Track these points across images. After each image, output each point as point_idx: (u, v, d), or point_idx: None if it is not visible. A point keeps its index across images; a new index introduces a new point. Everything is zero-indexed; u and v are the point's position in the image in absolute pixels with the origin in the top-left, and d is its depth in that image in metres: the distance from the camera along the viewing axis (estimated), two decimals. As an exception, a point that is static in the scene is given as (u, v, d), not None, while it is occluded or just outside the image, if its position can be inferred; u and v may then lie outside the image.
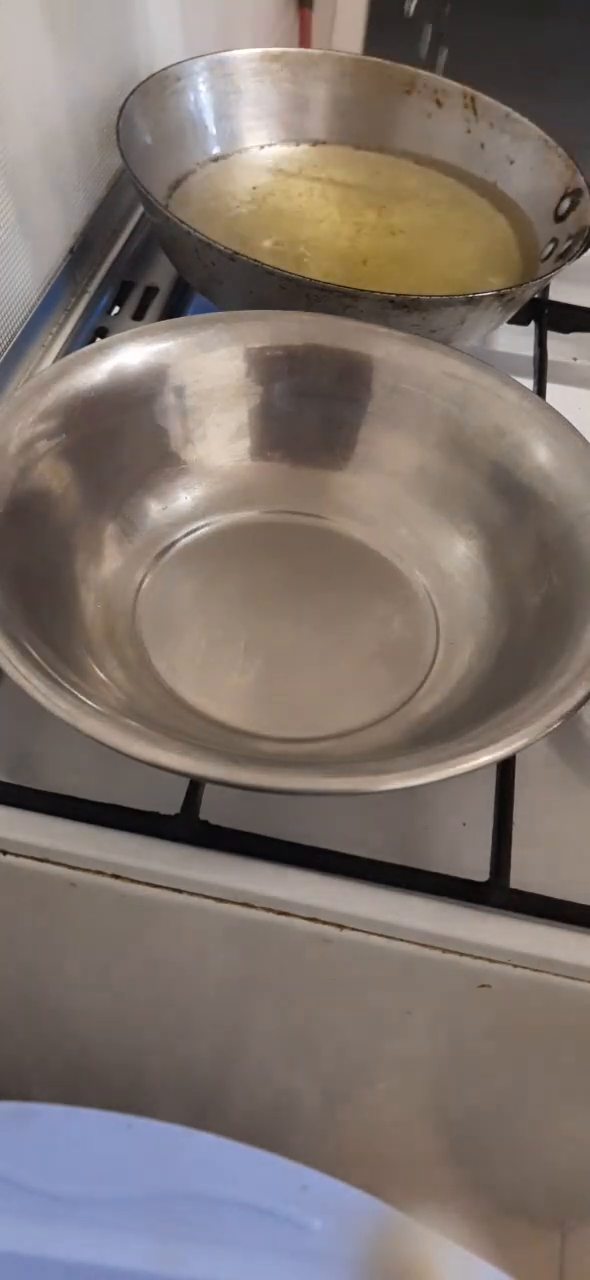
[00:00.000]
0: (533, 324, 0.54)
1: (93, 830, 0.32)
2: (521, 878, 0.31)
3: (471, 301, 0.43)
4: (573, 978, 0.31)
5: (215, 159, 0.58)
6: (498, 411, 0.39)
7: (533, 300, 0.52)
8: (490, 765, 0.27)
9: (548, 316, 0.54)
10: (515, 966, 0.31)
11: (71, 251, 0.54)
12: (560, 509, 0.36)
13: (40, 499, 0.35)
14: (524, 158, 0.57)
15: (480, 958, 0.31)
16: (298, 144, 0.60)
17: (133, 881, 0.32)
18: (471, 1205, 0.47)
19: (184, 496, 0.40)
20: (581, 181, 0.53)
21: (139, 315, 0.55)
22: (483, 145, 0.59)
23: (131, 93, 0.51)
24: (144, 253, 0.59)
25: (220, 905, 0.31)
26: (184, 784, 0.32)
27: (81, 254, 0.55)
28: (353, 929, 0.31)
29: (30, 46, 0.47)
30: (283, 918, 0.31)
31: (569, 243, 0.50)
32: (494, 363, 0.40)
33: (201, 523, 0.40)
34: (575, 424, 0.37)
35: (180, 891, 0.32)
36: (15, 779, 0.33)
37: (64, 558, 0.35)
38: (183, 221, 0.44)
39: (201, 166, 0.57)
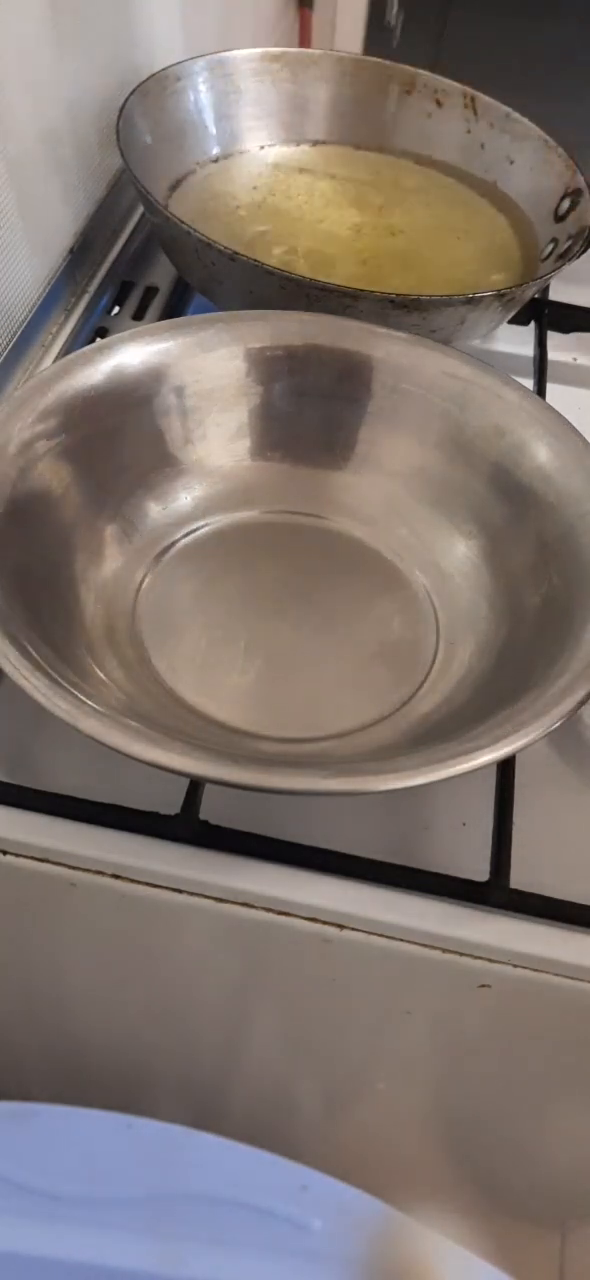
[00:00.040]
0: (533, 324, 0.54)
1: (93, 830, 0.32)
2: (521, 878, 0.31)
3: (471, 301, 0.43)
4: (573, 978, 0.31)
5: (215, 159, 0.58)
6: (498, 411, 0.39)
7: (533, 300, 0.52)
8: (490, 765, 0.27)
9: (548, 316, 0.54)
10: (515, 966, 0.31)
11: (71, 251, 0.54)
12: (560, 509, 0.36)
13: (40, 499, 0.35)
14: (524, 158, 0.57)
15: (480, 958, 0.31)
16: (298, 144, 0.60)
17: (133, 881, 0.32)
18: (471, 1205, 0.47)
19: (184, 496, 0.40)
20: (581, 181, 0.53)
21: (139, 315, 0.55)
22: (483, 145, 0.59)
23: (131, 93, 0.51)
24: (144, 253, 0.59)
25: (220, 905, 0.31)
26: (184, 784, 0.32)
27: (81, 254, 0.55)
28: (353, 929, 0.31)
29: (31, 46, 0.47)
30: (283, 918, 0.31)
31: (569, 243, 0.50)
32: (494, 363, 0.40)
33: (201, 523, 0.40)
34: (575, 424, 0.37)
35: (180, 891, 0.32)
36: (15, 779, 0.33)
37: (64, 558, 0.35)
38: (183, 221, 0.44)
39: (201, 166, 0.57)
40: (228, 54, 0.57)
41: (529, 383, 0.47)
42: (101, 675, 0.32)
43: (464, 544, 0.39)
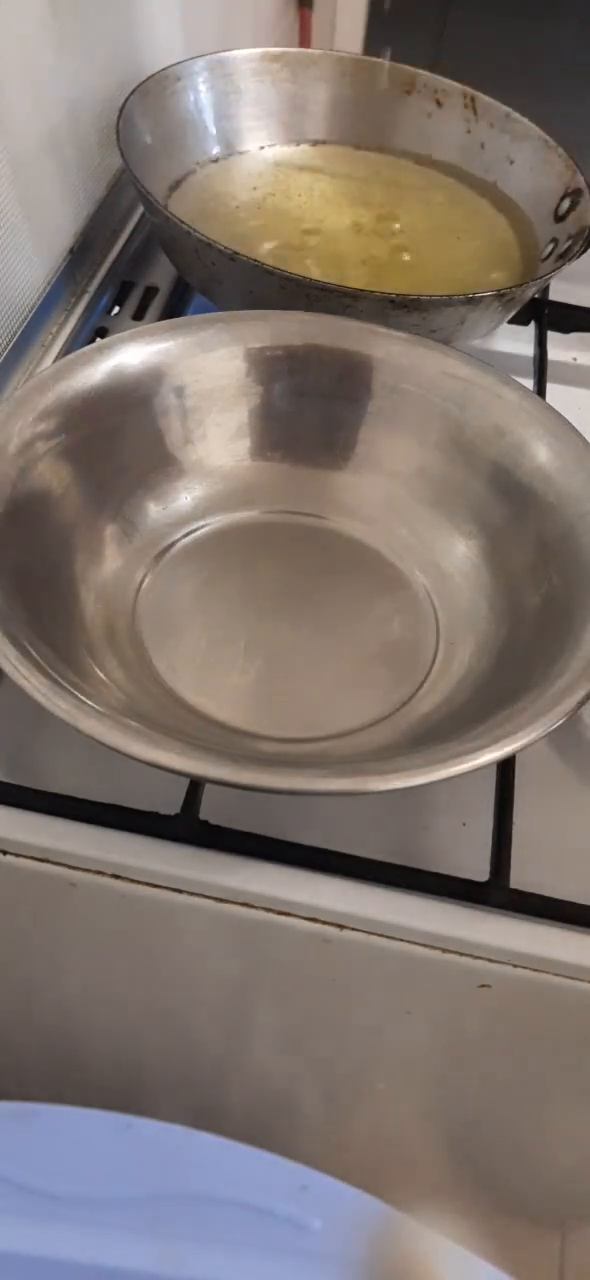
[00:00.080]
0: (533, 324, 0.54)
1: (93, 830, 0.32)
2: (521, 878, 0.31)
3: (471, 301, 0.43)
4: (573, 978, 0.31)
5: (215, 159, 0.58)
6: (498, 411, 0.39)
7: (533, 300, 0.52)
8: (490, 765, 0.27)
9: (548, 316, 0.54)
10: (515, 966, 0.31)
11: (71, 251, 0.54)
12: (560, 509, 0.36)
13: (40, 499, 0.35)
14: (524, 158, 0.57)
15: (480, 958, 0.31)
16: (298, 144, 0.60)
17: (133, 881, 0.32)
18: (471, 1205, 0.47)
19: (184, 496, 0.40)
20: (581, 181, 0.53)
21: (139, 315, 0.55)
22: (483, 145, 0.59)
23: (131, 93, 0.51)
24: (144, 253, 0.59)
25: (220, 905, 0.31)
26: (184, 784, 0.32)
27: (81, 254, 0.55)
28: (353, 929, 0.31)
29: (31, 46, 0.47)
30: (283, 918, 0.31)
31: (569, 243, 0.50)
32: (494, 363, 0.40)
33: (201, 523, 0.40)
34: (575, 424, 0.37)
35: (180, 891, 0.32)
36: (15, 779, 0.33)
37: (64, 558, 0.35)
38: (183, 221, 0.44)
39: (201, 166, 0.57)
40: (228, 54, 0.57)
41: (529, 383, 0.47)
42: (101, 675, 0.32)
43: (464, 544, 0.39)
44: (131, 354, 0.39)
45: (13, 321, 0.48)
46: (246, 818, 0.32)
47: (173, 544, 0.39)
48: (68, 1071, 0.45)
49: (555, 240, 0.52)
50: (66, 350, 0.51)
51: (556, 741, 0.37)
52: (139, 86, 0.52)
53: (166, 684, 0.34)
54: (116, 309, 0.56)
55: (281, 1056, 0.41)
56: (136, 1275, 0.26)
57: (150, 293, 0.56)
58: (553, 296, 0.55)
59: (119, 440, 0.38)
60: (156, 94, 0.54)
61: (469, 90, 0.59)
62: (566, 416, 0.38)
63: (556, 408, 0.38)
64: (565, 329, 0.55)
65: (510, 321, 0.53)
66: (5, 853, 0.32)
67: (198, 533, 0.40)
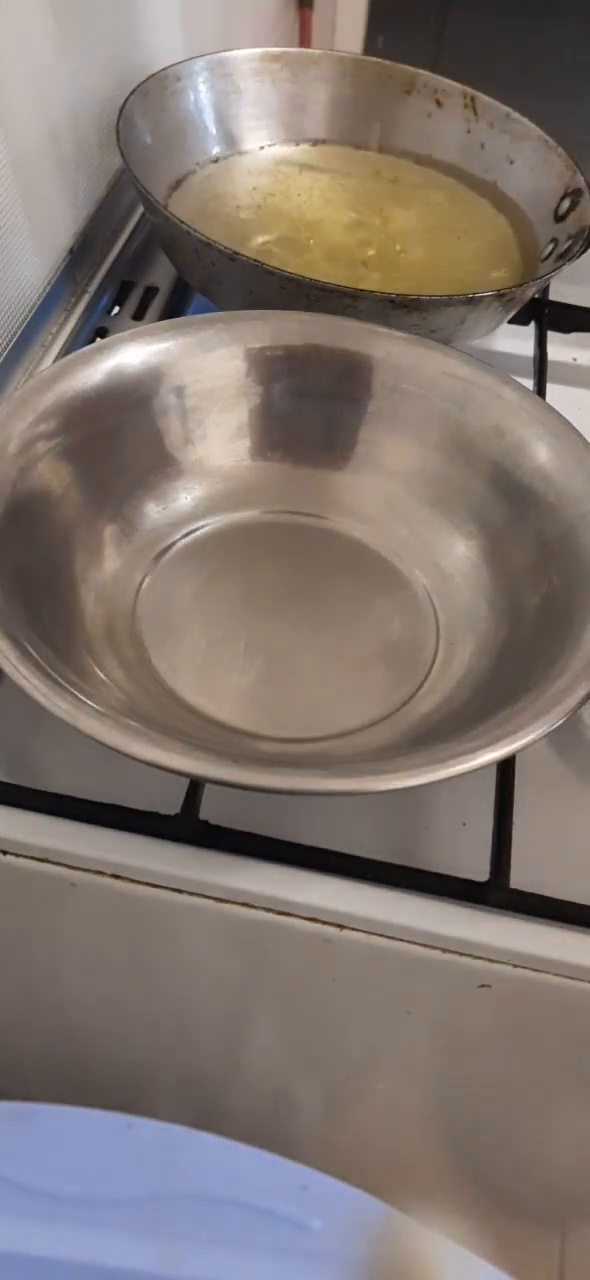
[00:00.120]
0: (533, 324, 0.54)
1: (93, 830, 0.32)
2: (521, 878, 0.31)
3: (471, 301, 0.43)
4: (573, 978, 0.31)
5: (215, 159, 0.58)
6: (498, 411, 0.39)
7: (533, 300, 0.52)
8: (490, 765, 0.27)
9: (548, 316, 0.54)
10: (515, 966, 0.31)
11: (71, 251, 0.54)
12: (560, 509, 0.36)
13: (40, 499, 0.35)
14: (524, 158, 0.57)
15: (480, 958, 0.31)
16: (298, 144, 0.60)
17: (133, 881, 0.32)
18: (471, 1205, 0.47)
19: (184, 496, 0.40)
20: (581, 181, 0.53)
21: (139, 315, 0.55)
22: (483, 145, 0.59)
23: (131, 93, 0.51)
24: (144, 253, 0.59)
25: (220, 905, 0.31)
26: (184, 784, 0.32)
27: (81, 254, 0.55)
28: (353, 929, 0.31)
29: (31, 46, 0.47)
30: (283, 918, 0.31)
31: (569, 243, 0.50)
32: (494, 363, 0.40)
33: (201, 523, 0.40)
34: (575, 424, 0.37)
35: (180, 891, 0.32)
36: (15, 779, 0.33)
37: (64, 558, 0.35)
38: (183, 221, 0.44)
39: (201, 166, 0.57)
40: (228, 54, 0.57)
41: (529, 383, 0.47)
42: (101, 675, 0.32)
43: (464, 544, 0.39)
44: (131, 354, 0.39)
45: (13, 321, 0.48)
46: (246, 818, 0.32)
47: (173, 544, 0.39)
48: (68, 1071, 0.45)
49: (555, 240, 0.52)
50: (66, 350, 0.51)
51: (556, 741, 0.37)
52: (139, 86, 0.52)
53: (166, 684, 0.34)
54: (116, 309, 0.56)
55: (281, 1056, 0.41)
56: (136, 1275, 0.26)
57: (150, 293, 0.56)
58: (553, 296, 0.55)
59: (119, 440, 0.38)
60: (156, 94, 0.54)
61: (469, 90, 0.59)
62: (566, 416, 0.38)
63: (556, 408, 0.38)
64: (565, 329, 0.55)
65: (510, 321, 0.53)
66: (5, 853, 0.32)
67: (198, 533, 0.40)
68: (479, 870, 0.31)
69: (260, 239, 0.53)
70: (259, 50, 0.59)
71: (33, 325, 0.50)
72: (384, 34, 1.33)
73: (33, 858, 0.32)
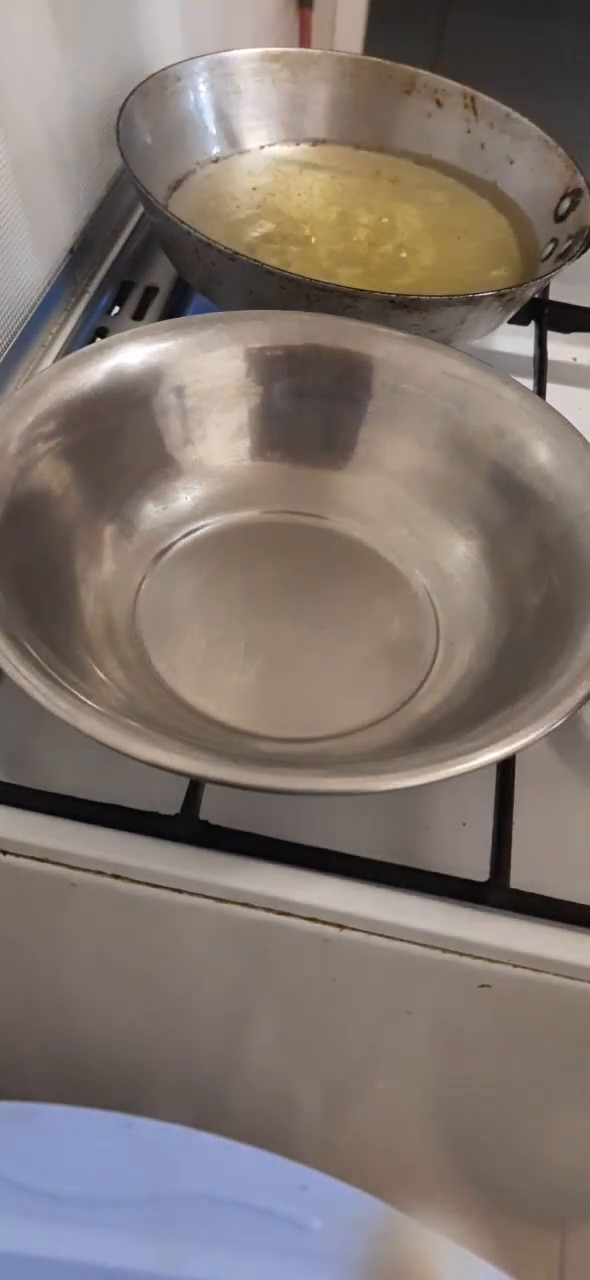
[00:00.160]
0: (533, 324, 0.54)
1: (93, 830, 0.32)
2: (521, 878, 0.31)
3: (471, 301, 0.43)
4: (573, 978, 0.31)
5: (215, 159, 0.58)
6: (498, 411, 0.39)
7: (533, 300, 0.52)
8: (490, 765, 0.27)
9: (548, 316, 0.54)
10: (515, 966, 0.31)
11: (72, 251, 0.54)
12: (560, 509, 0.36)
13: (40, 499, 0.35)
14: (524, 158, 0.57)
15: (480, 958, 0.31)
16: (298, 144, 0.60)
17: (133, 881, 0.32)
18: (471, 1205, 0.47)
19: (184, 496, 0.40)
20: (581, 181, 0.53)
21: (139, 315, 0.55)
22: (483, 145, 0.59)
23: (131, 93, 0.51)
24: (144, 253, 0.59)
25: (220, 905, 0.31)
26: (184, 784, 0.32)
27: (81, 254, 0.55)
28: (353, 929, 0.31)
29: (32, 46, 0.47)
30: (283, 918, 0.31)
31: (569, 243, 0.50)
32: (494, 363, 0.40)
33: (201, 523, 0.40)
34: (575, 424, 0.37)
35: (180, 891, 0.32)
36: (15, 779, 0.33)
37: (64, 558, 0.35)
38: (183, 221, 0.44)
39: (201, 166, 0.57)
40: (228, 54, 0.57)
41: (529, 383, 0.47)
42: (101, 675, 0.32)
43: (464, 544, 0.39)
44: (131, 354, 0.39)
45: (13, 321, 0.48)
46: (246, 818, 0.32)
47: (172, 544, 0.39)
48: (68, 1071, 0.45)
49: (555, 240, 0.52)
50: (66, 350, 0.51)
51: (556, 741, 0.37)
52: (139, 86, 0.52)
53: (166, 684, 0.34)
54: (116, 309, 0.56)
55: (281, 1056, 0.41)
56: (136, 1275, 0.26)
57: (150, 293, 0.56)
58: (553, 296, 0.55)
59: (119, 440, 0.38)
60: (156, 94, 0.54)
61: (469, 90, 0.59)
62: (566, 416, 0.38)
63: (556, 408, 0.38)
64: (565, 329, 0.55)
65: (510, 321, 0.53)
66: (5, 853, 0.32)
67: (197, 533, 0.40)
68: (479, 870, 0.31)
69: (260, 237, 0.53)
70: (259, 50, 0.59)
71: (33, 325, 0.50)
72: (384, 34, 1.34)
73: (33, 858, 0.32)
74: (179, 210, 0.50)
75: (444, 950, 0.31)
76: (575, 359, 0.55)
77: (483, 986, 0.32)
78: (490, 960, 0.31)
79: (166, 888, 0.32)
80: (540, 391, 0.48)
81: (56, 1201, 0.26)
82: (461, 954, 0.31)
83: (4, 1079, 0.45)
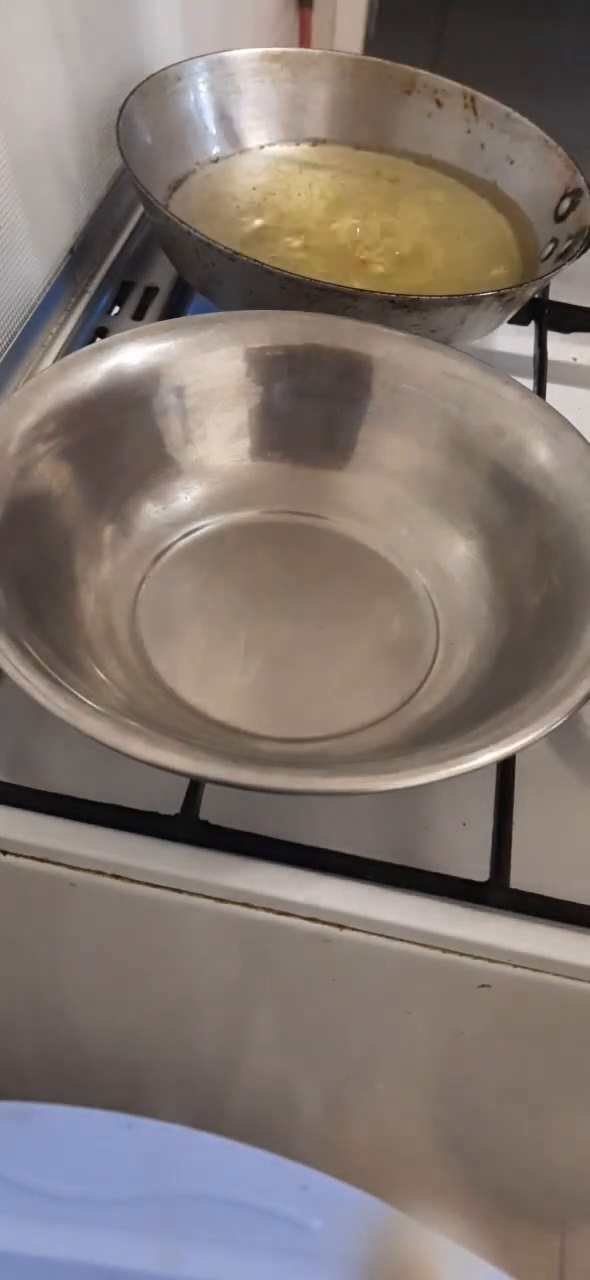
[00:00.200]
0: (533, 324, 0.54)
1: (93, 830, 0.32)
2: (521, 878, 0.31)
3: (471, 301, 0.43)
4: (573, 978, 0.31)
5: (215, 159, 0.58)
6: (498, 411, 0.39)
7: (533, 300, 0.52)
8: (490, 765, 0.27)
9: (548, 316, 0.54)
10: (515, 966, 0.31)
11: (72, 251, 0.54)
12: (560, 509, 0.36)
13: (40, 499, 0.35)
14: (524, 158, 0.57)
15: (480, 958, 0.31)
16: (298, 144, 0.60)
17: (133, 881, 0.32)
18: (471, 1205, 0.47)
19: (184, 496, 0.40)
20: (581, 181, 0.53)
21: (139, 315, 0.55)
22: (483, 145, 0.59)
23: (131, 93, 0.51)
24: (144, 253, 0.59)
25: (220, 905, 0.31)
26: (184, 784, 0.32)
27: (81, 254, 0.55)
28: (353, 929, 0.31)
29: (32, 46, 0.47)
30: (283, 918, 0.31)
31: (569, 243, 0.50)
32: (494, 363, 0.40)
33: (201, 523, 0.40)
34: (575, 424, 0.37)
35: (180, 891, 0.32)
36: (15, 779, 0.33)
37: (64, 558, 0.35)
38: (183, 221, 0.44)
39: (201, 166, 0.57)
40: (228, 54, 0.57)
41: (529, 383, 0.47)
42: (101, 675, 0.32)
43: (464, 544, 0.39)
44: (131, 354, 0.39)
45: (13, 321, 0.48)
46: (246, 818, 0.32)
47: (172, 544, 0.39)
48: (68, 1071, 0.45)
49: (555, 240, 0.52)
50: (66, 350, 0.51)
51: (556, 741, 0.37)
52: (139, 86, 0.52)
53: (166, 684, 0.34)
54: (116, 309, 0.56)
55: (281, 1056, 0.41)
56: (136, 1275, 0.26)
57: (150, 293, 0.56)
58: (553, 296, 0.55)
59: (119, 440, 0.38)
60: (156, 94, 0.54)
61: (469, 90, 0.59)
62: (566, 416, 0.38)
63: (556, 408, 0.38)
64: (565, 329, 0.55)
65: (510, 321, 0.53)
66: (5, 853, 0.32)
67: (198, 533, 0.40)
68: (479, 870, 0.31)
69: (260, 237, 0.53)
70: (259, 50, 0.59)
71: (33, 325, 0.50)
72: (384, 34, 1.34)
73: (33, 858, 0.32)
74: (179, 210, 0.51)
75: (444, 950, 0.31)
76: (575, 359, 0.55)
77: (483, 986, 0.32)
78: (490, 960, 0.31)
79: (166, 888, 0.32)
80: (540, 391, 0.48)
81: (56, 1201, 0.26)
82: (461, 954, 0.31)
83: (4, 1079, 0.45)
